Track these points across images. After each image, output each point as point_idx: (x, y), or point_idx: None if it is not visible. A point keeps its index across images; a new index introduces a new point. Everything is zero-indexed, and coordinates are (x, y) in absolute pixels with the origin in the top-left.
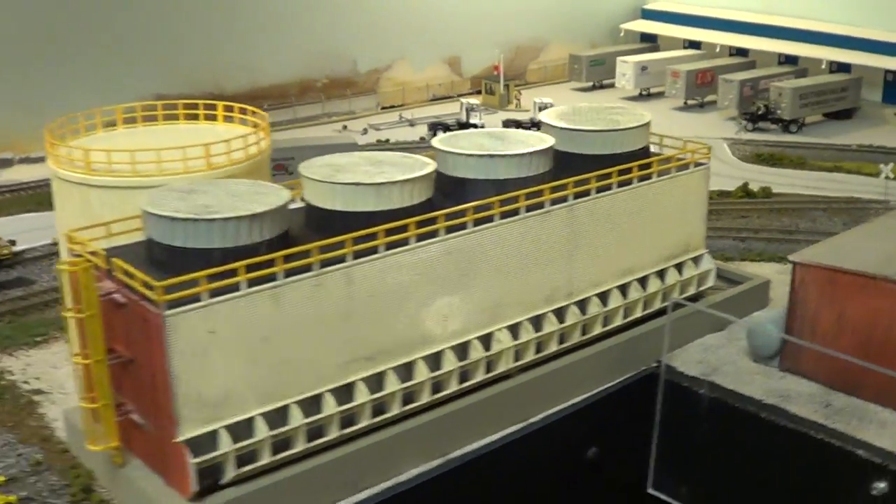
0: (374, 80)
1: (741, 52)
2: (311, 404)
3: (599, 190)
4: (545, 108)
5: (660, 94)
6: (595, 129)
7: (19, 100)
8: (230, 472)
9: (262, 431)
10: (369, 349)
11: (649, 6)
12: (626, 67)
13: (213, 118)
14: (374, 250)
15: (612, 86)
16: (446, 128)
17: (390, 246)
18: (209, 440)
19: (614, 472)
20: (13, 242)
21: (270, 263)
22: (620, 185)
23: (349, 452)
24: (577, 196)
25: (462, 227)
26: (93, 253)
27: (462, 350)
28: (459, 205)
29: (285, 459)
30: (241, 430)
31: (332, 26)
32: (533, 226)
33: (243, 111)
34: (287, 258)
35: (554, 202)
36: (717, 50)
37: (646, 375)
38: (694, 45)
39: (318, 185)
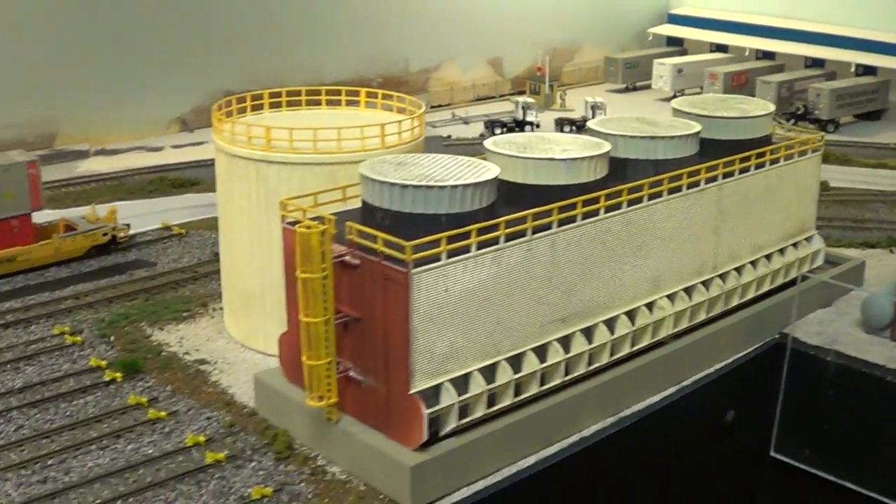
0: (424, 79)
1: (767, 55)
2: (516, 362)
3: (742, 171)
4: (596, 106)
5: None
6: (732, 116)
7: (95, 95)
8: (451, 424)
9: (479, 386)
10: (563, 312)
11: (676, 11)
12: (662, 70)
13: (354, 104)
14: (572, 220)
15: (646, 87)
16: (503, 125)
17: (583, 217)
18: (433, 394)
19: (740, 437)
20: (128, 226)
21: (495, 228)
22: (757, 167)
23: (545, 408)
24: (725, 176)
25: (638, 201)
26: (316, 219)
27: (632, 316)
28: (625, 183)
29: (493, 413)
30: (459, 384)
31: (387, 26)
32: (691, 202)
33: (387, 97)
34: (508, 224)
35: (707, 181)
36: (747, 53)
37: (772, 346)
38: (720, 48)
39: (509, 160)
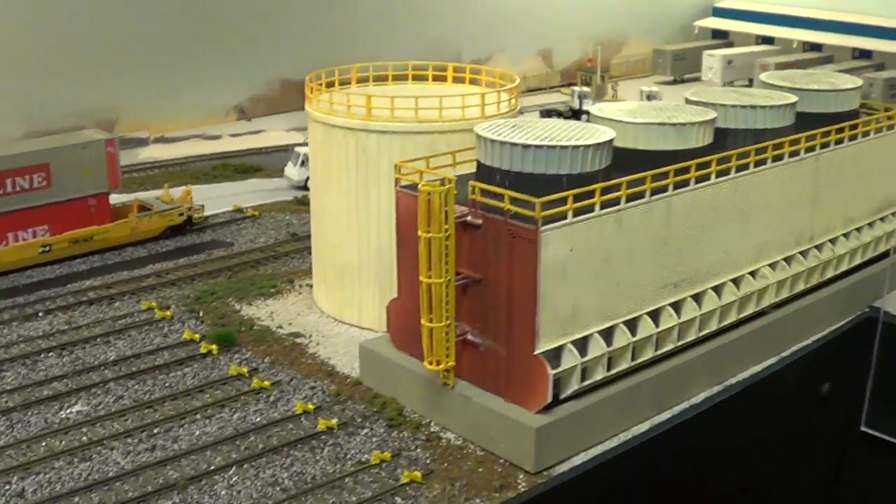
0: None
1: (814, 47)
2: (632, 326)
3: (836, 143)
4: (651, 96)
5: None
6: (824, 89)
7: (153, 83)
8: (573, 387)
9: (599, 348)
10: (676, 276)
11: (720, 4)
12: (712, 61)
13: (442, 79)
14: (685, 184)
15: (694, 79)
16: (559, 114)
17: (695, 182)
18: (555, 356)
19: (832, 410)
20: (202, 207)
21: (617, 189)
22: (850, 139)
23: (659, 373)
24: (823, 146)
25: (745, 168)
26: (435, 181)
27: (737, 283)
28: (727, 150)
29: (611, 377)
30: (580, 346)
31: (440, 18)
32: (791, 172)
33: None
34: (629, 185)
35: (806, 151)
36: (794, 45)
37: (863, 319)
38: (766, 40)
39: (619, 125)
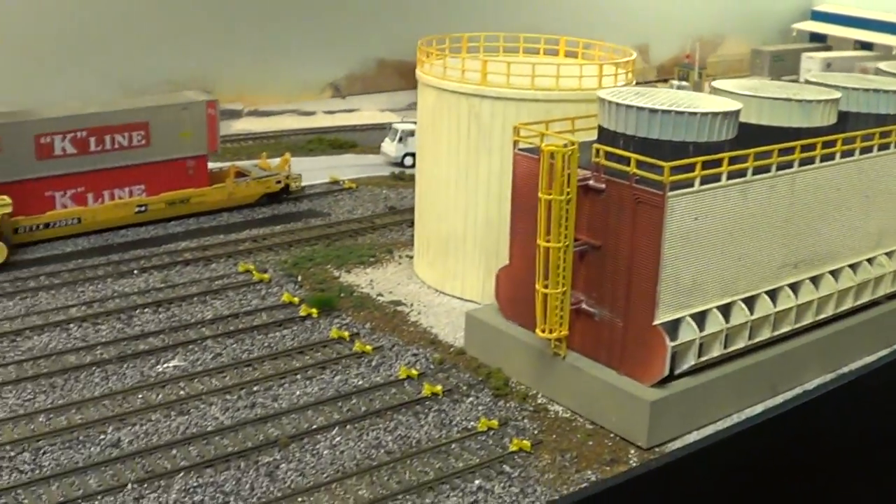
0: None
1: None
2: (750, 304)
3: None
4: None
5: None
6: None
7: (250, 56)
8: (689, 362)
9: (717, 324)
10: (796, 256)
11: (819, 7)
12: (811, 63)
13: (553, 52)
14: (810, 161)
15: (791, 82)
16: None
17: (820, 160)
18: (673, 329)
19: None
20: (300, 176)
21: (744, 160)
22: None
23: (774, 355)
24: None
25: (869, 150)
26: (558, 142)
27: (855, 269)
28: (846, 132)
29: (727, 355)
30: (698, 321)
31: (539, 7)
32: None
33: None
34: (757, 157)
35: None
36: (894, 52)
37: None
38: (865, 46)
39: (743, 100)
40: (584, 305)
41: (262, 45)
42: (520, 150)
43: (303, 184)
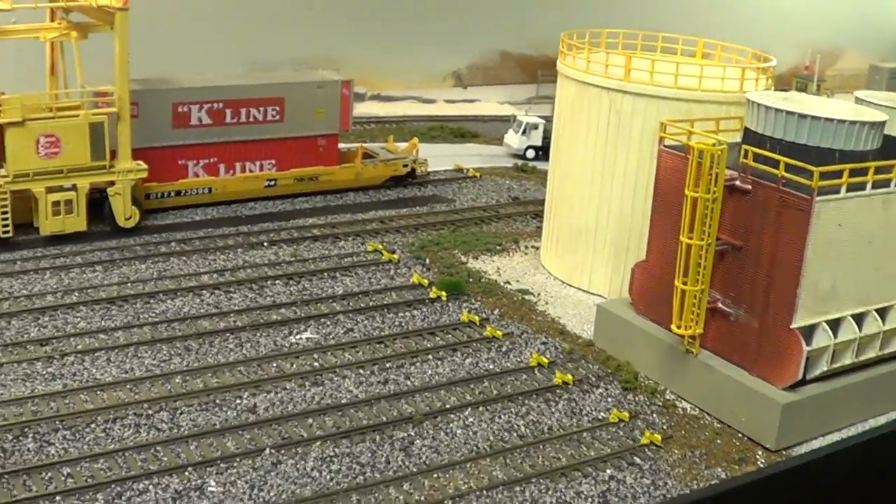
0: None
1: None
2: (882, 315)
3: None
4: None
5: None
6: None
7: (376, 42)
8: (821, 368)
9: (851, 332)
10: None
11: None
12: None
13: (691, 53)
14: None
15: None
16: None
17: None
18: (809, 333)
19: None
20: (426, 161)
21: (889, 171)
22: None
23: None
24: None
25: None
26: (707, 141)
27: None
28: None
29: (858, 364)
30: (832, 327)
31: (661, 8)
32: None
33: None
34: None
35: None
36: None
37: None
38: None
39: (888, 111)
40: (720, 304)
41: (388, 31)
42: (665, 146)
43: (428, 169)
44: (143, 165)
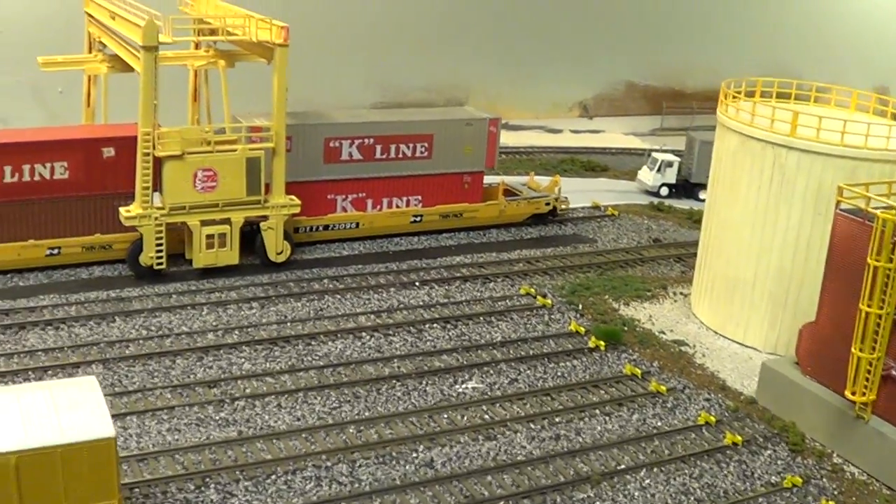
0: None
1: None
2: None
3: None
4: None
5: None
6: None
7: (504, 72)
8: None
9: None
10: None
11: None
12: None
13: (845, 104)
14: None
15: None
16: None
17: None
18: None
19: None
20: (567, 199)
21: None
22: None
23: None
24: None
25: None
26: (888, 209)
27: None
28: None
29: None
30: None
31: (782, 38)
32: None
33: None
34: None
35: None
36: None
37: None
38: None
39: None
40: (893, 372)
41: (516, 60)
42: (841, 210)
43: (568, 206)
44: (297, 201)
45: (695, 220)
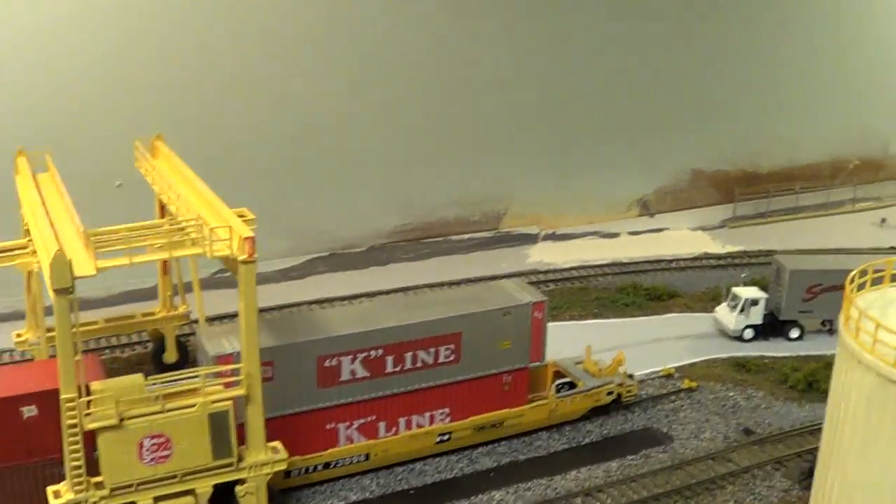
0: None
1: None
2: None
3: None
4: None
5: None
6: None
7: (548, 173)
8: None
9: None
10: None
11: None
12: None
13: None
14: None
15: None
16: None
17: None
18: None
19: None
20: (633, 379)
21: None
22: None
23: None
24: None
25: None
26: None
27: None
28: None
29: None
30: None
31: (867, 104)
32: None
33: None
34: None
35: None
36: None
37: None
38: None
39: None
40: None
41: (562, 161)
42: None
43: (631, 372)
44: (282, 454)
45: (789, 385)
